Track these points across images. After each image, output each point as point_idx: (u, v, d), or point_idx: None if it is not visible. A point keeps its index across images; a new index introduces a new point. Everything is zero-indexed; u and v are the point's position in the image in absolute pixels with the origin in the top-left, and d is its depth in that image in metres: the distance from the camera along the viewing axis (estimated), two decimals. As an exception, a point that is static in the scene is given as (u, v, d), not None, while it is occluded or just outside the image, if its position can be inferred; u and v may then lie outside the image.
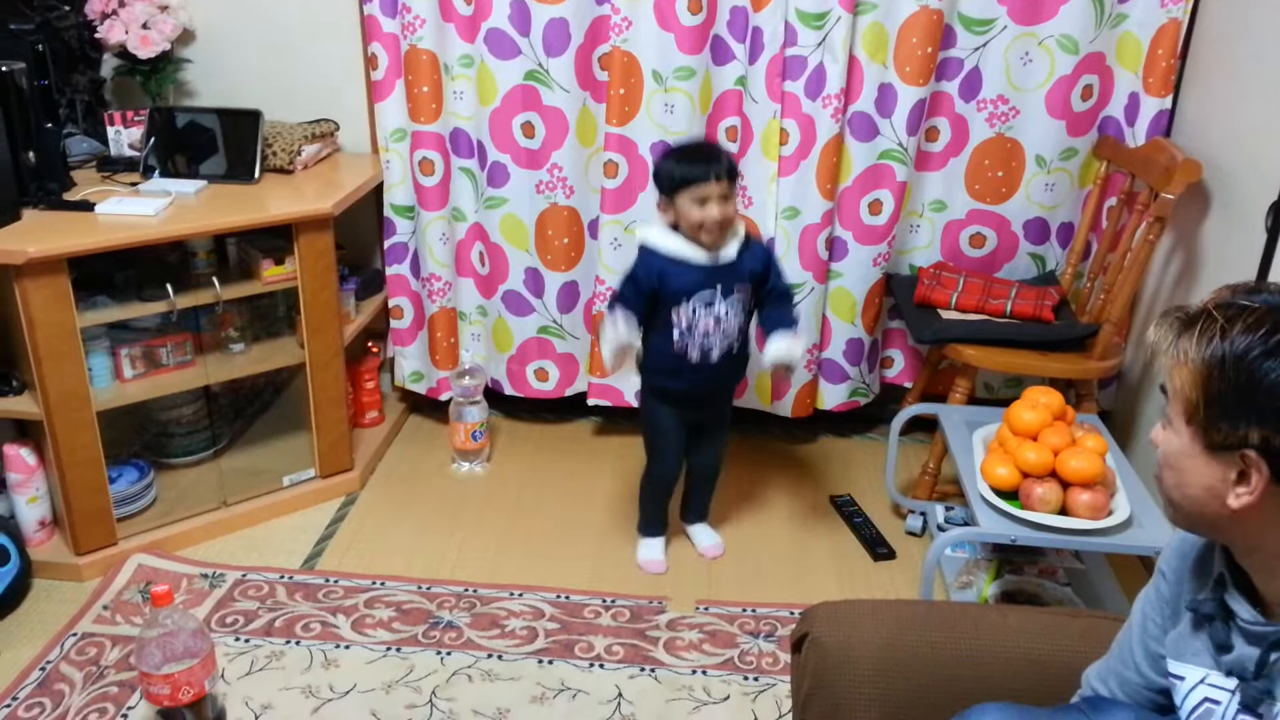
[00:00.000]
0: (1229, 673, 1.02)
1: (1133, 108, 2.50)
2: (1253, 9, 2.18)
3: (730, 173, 2.02)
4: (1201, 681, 1.05)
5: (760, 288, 2.14)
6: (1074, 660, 1.30)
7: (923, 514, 2.47)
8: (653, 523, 2.38)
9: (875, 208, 2.56)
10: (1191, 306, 0.98)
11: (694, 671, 1.99)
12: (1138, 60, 2.46)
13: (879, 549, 2.38)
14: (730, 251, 2.07)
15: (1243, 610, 0.99)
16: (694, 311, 2.08)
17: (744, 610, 2.17)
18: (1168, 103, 2.46)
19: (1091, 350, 2.30)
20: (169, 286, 2.18)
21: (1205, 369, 0.93)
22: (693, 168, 2.00)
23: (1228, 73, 2.28)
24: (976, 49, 2.46)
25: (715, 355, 2.11)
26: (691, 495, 2.40)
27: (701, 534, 2.40)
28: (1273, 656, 0.96)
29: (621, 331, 2.05)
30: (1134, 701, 1.17)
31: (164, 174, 2.41)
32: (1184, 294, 2.36)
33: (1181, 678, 1.07)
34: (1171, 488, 1.00)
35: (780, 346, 2.08)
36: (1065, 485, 1.90)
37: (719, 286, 2.07)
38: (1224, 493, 0.94)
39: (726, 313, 2.09)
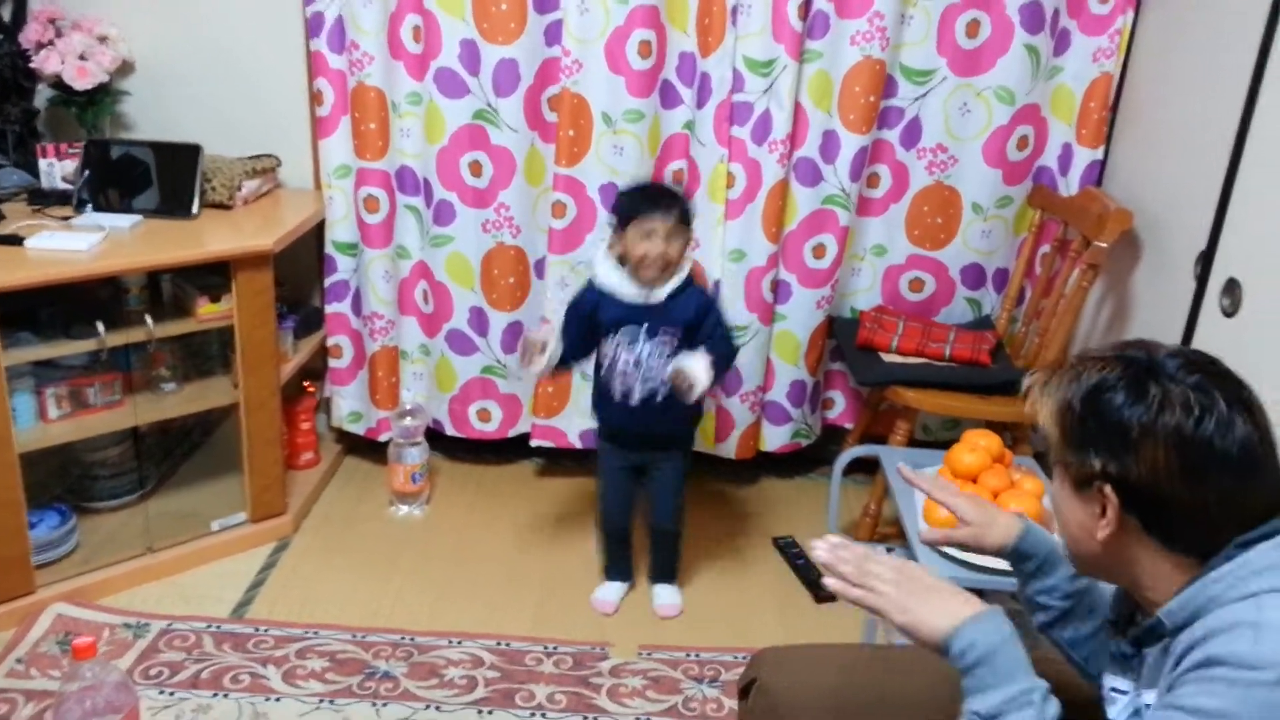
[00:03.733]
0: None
1: (1066, 158, 2.58)
2: (1179, 65, 2.27)
3: (683, 217, 2.06)
4: (1114, 690, 1.14)
5: (692, 335, 2.13)
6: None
7: (866, 556, 2.47)
8: (611, 566, 2.37)
9: (819, 251, 2.59)
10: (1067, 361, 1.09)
11: (638, 719, 1.96)
12: (1071, 112, 2.55)
13: (821, 591, 2.38)
14: (660, 293, 2.08)
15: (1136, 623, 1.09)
16: (616, 347, 2.11)
17: (687, 655, 2.15)
18: (1099, 153, 2.54)
19: (1027, 394, 2.34)
20: (99, 324, 2.11)
21: (1060, 406, 1.04)
22: (645, 201, 2.05)
23: (1156, 125, 2.36)
24: (917, 99, 2.52)
25: (635, 398, 2.13)
26: (651, 553, 2.38)
27: (660, 593, 2.36)
28: (1146, 651, 1.05)
29: (537, 334, 2.09)
30: None
31: (98, 208, 2.34)
32: (1115, 338, 2.41)
33: (1110, 695, 1.16)
34: (1059, 531, 1.10)
35: (689, 359, 2.05)
36: (1006, 528, 1.92)
37: (645, 326, 2.09)
38: (1093, 529, 1.02)
39: (648, 354, 2.10)
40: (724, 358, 2.14)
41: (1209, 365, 1.01)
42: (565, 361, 2.15)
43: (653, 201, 2.05)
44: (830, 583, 1.13)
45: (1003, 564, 1.87)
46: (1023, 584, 1.32)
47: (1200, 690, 0.92)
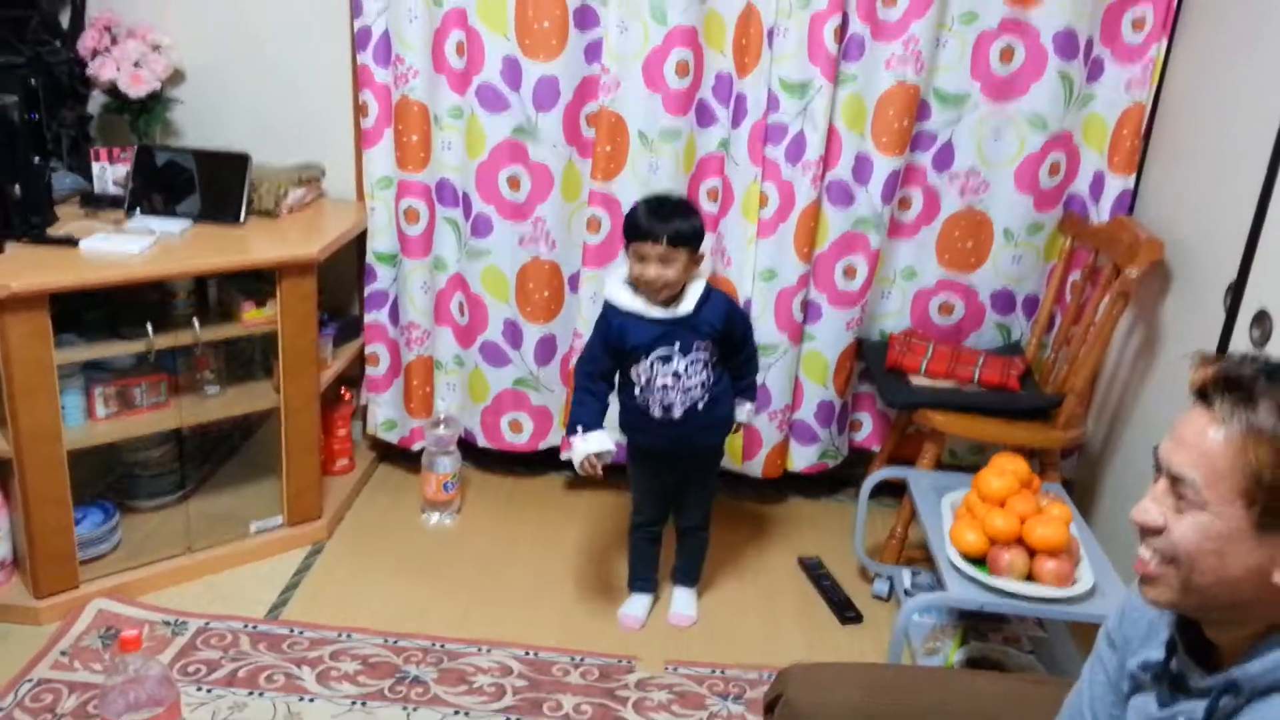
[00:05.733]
0: None
1: (1097, 185, 2.60)
2: (1211, 96, 2.28)
3: (677, 239, 2.00)
4: None
5: (726, 342, 2.15)
6: (1040, 726, 1.32)
7: (889, 578, 2.49)
8: (637, 577, 2.38)
9: (850, 273, 2.62)
10: (1238, 374, 0.94)
11: (663, 731, 1.99)
12: (1103, 140, 2.56)
13: (847, 613, 2.40)
14: (685, 307, 2.08)
15: (1191, 673, 1.01)
16: (652, 367, 2.10)
17: (713, 671, 2.17)
18: (1131, 182, 2.55)
19: (1056, 420, 2.36)
20: (149, 326, 2.17)
21: (1270, 436, 0.90)
22: (639, 224, 2.02)
23: (1188, 155, 2.38)
24: (950, 124, 2.55)
25: (677, 412, 2.12)
26: (679, 554, 2.40)
27: (679, 598, 2.39)
28: (1222, 702, 0.96)
29: (591, 444, 2.08)
30: None
31: (148, 213, 2.41)
32: (1144, 367, 2.43)
33: None
34: (1207, 571, 0.95)
35: (743, 414, 2.28)
36: (1032, 553, 1.94)
37: (677, 344, 2.09)
38: (1270, 571, 0.92)
39: (686, 369, 2.10)
40: (754, 383, 2.28)
41: None
42: (604, 410, 2.16)
43: (646, 224, 2.00)
44: None
45: (1031, 588, 1.90)
46: None
47: None
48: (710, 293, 2.12)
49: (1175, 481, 0.97)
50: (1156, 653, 1.06)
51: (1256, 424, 0.91)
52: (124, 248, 2.15)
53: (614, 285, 2.12)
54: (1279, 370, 0.92)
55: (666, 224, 2.00)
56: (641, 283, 2.05)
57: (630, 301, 2.08)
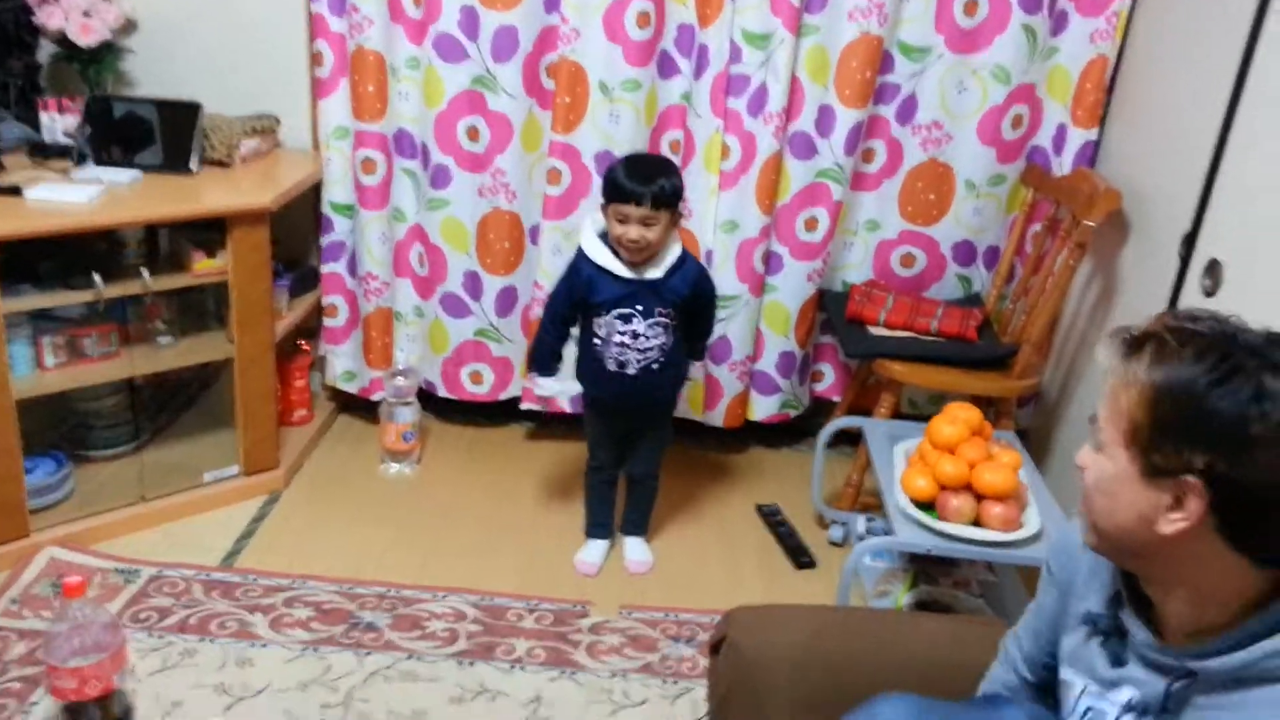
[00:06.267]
0: (1119, 687, 1.04)
1: (1060, 138, 2.59)
2: (1172, 49, 2.28)
3: (660, 200, 2.00)
4: (1084, 691, 1.07)
5: (688, 309, 2.16)
6: (984, 666, 1.33)
7: (845, 524, 2.51)
8: (594, 523, 2.40)
9: (811, 224, 2.61)
10: (1140, 328, 0.97)
11: (614, 675, 2.00)
12: (1067, 93, 2.55)
13: (801, 558, 2.42)
14: (655, 271, 2.09)
15: (1139, 633, 1.01)
16: (611, 324, 2.11)
17: (666, 615, 2.19)
18: (1094, 134, 2.55)
19: (1012, 370, 2.37)
20: (96, 275, 2.14)
21: (1154, 392, 0.92)
22: (622, 185, 2.01)
23: (1148, 108, 2.37)
24: (914, 75, 2.53)
25: (632, 370, 2.14)
26: (628, 503, 2.41)
27: (632, 547, 2.41)
28: (1176, 686, 0.97)
29: (548, 389, 2.23)
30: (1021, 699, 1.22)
31: (98, 163, 2.37)
32: (1101, 317, 2.45)
33: (1071, 684, 1.10)
34: (1101, 513, 0.99)
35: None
36: (980, 498, 1.96)
37: (639, 306, 2.09)
38: (1155, 519, 0.93)
39: (645, 331, 2.11)
40: (703, 349, 2.34)
41: None
42: (559, 356, 2.24)
43: (629, 187, 1.99)
44: None
45: (977, 532, 1.92)
46: None
47: None
48: (685, 259, 2.13)
49: (1091, 422, 1.00)
50: (1098, 604, 1.08)
51: (1132, 371, 0.94)
52: (71, 196, 2.12)
53: (589, 236, 2.11)
54: (1183, 330, 0.94)
55: (649, 185, 1.99)
56: (622, 244, 2.04)
57: (602, 255, 2.08)
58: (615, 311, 2.10)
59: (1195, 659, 0.95)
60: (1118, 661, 1.04)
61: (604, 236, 2.11)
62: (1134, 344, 0.95)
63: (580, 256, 2.12)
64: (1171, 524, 0.92)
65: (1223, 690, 0.93)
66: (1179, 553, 0.94)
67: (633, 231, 2.01)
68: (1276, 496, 0.89)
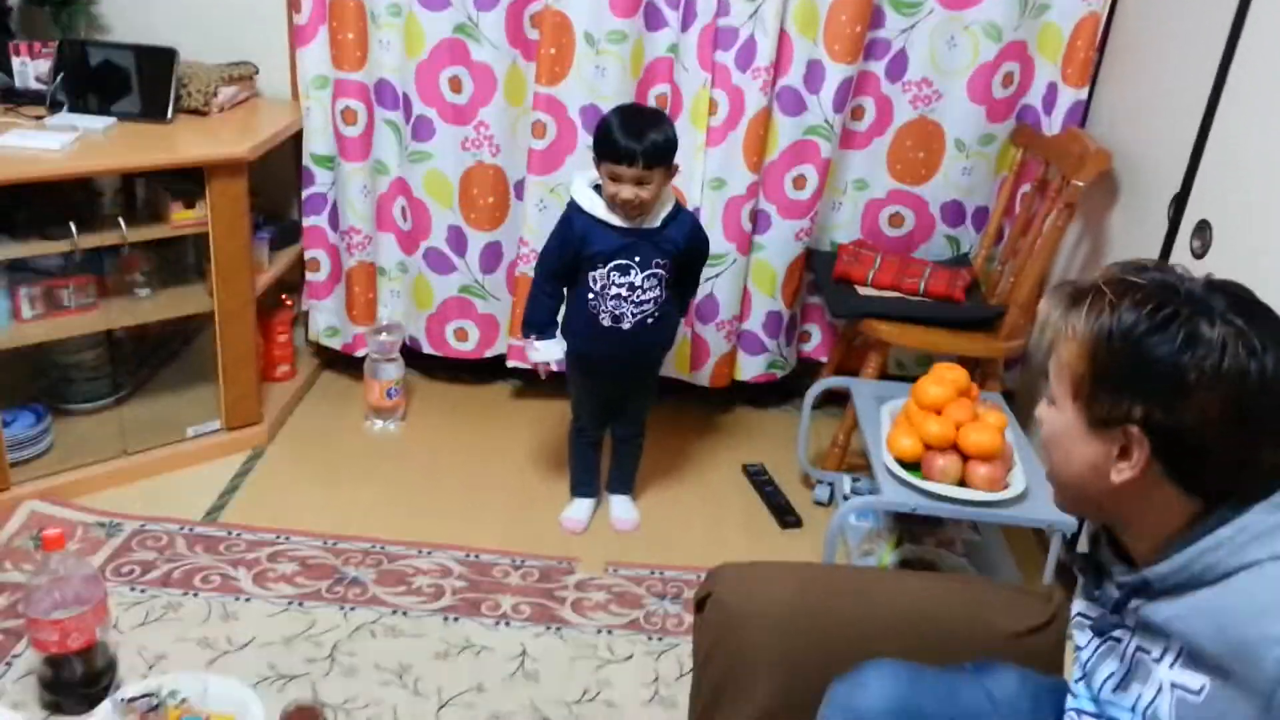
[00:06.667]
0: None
1: (1051, 97, 2.57)
2: (1164, 8, 2.25)
3: (653, 158, 1.95)
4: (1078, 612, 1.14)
5: (681, 262, 2.13)
6: (967, 623, 1.34)
7: (831, 484, 2.52)
8: (579, 482, 2.39)
9: (799, 183, 2.59)
10: (1082, 281, 1.00)
11: (599, 631, 2.01)
12: (1058, 51, 2.53)
13: (787, 517, 2.43)
14: (652, 221, 2.06)
15: (1115, 569, 1.05)
16: (608, 276, 2.08)
17: (652, 573, 2.20)
18: (1084, 94, 2.53)
19: (998, 331, 2.37)
20: (72, 225, 2.09)
21: (1092, 343, 0.95)
22: (614, 144, 1.96)
23: (1140, 68, 2.35)
24: (904, 30, 2.50)
25: (627, 324, 2.11)
26: (614, 462, 2.41)
27: (618, 505, 2.41)
28: (1132, 603, 1.01)
29: (545, 353, 2.16)
30: None
31: (72, 110, 2.31)
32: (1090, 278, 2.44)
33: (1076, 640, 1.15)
34: (1058, 466, 1.03)
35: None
36: (965, 458, 1.96)
37: (637, 257, 2.06)
38: (1106, 470, 0.96)
39: (642, 283, 2.08)
40: (688, 304, 2.32)
41: (1253, 303, 0.94)
42: (556, 316, 2.19)
43: (621, 144, 1.94)
44: None
45: (961, 492, 1.93)
46: None
47: None
48: (679, 211, 2.10)
49: (1044, 378, 1.04)
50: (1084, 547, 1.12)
51: (1070, 324, 0.97)
52: (44, 144, 2.07)
53: (580, 187, 2.08)
54: (1123, 282, 0.96)
55: (642, 141, 1.94)
56: (616, 202, 2.01)
57: (596, 206, 2.05)
58: (613, 263, 2.06)
59: (1149, 568, 0.98)
60: (1095, 586, 1.09)
61: (597, 188, 2.07)
62: (1075, 297, 0.97)
63: (572, 208, 2.08)
64: (1120, 474, 0.96)
65: (1165, 597, 0.97)
66: (1137, 501, 0.97)
67: (626, 191, 1.98)
68: (1215, 438, 0.91)
